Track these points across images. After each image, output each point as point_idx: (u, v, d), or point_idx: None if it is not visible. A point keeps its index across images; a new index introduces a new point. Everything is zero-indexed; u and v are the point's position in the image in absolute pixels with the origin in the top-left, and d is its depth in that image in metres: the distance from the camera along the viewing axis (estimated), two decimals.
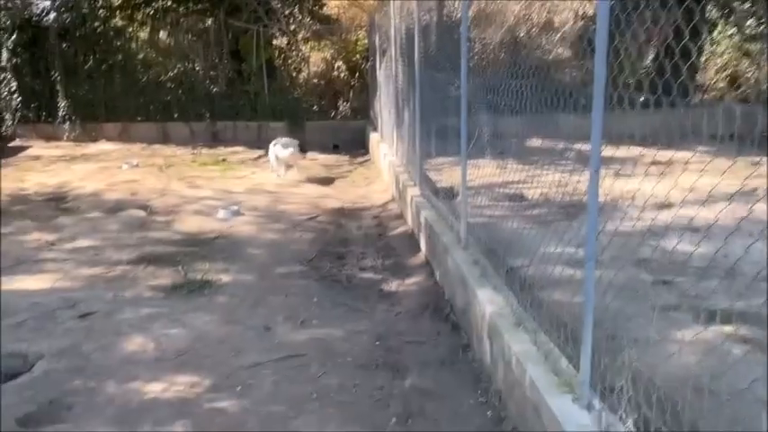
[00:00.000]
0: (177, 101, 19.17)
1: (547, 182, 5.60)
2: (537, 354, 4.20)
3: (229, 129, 18.99)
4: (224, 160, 15.98)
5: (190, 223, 9.92)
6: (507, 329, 4.59)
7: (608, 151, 3.35)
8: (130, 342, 5.82)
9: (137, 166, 15.32)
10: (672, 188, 3.41)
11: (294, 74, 20.07)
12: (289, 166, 13.77)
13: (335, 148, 18.03)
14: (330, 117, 19.40)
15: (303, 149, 13.98)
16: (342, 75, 19.89)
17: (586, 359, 3.56)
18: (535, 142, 6.10)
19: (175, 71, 19.50)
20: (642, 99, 3.33)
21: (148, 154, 17.14)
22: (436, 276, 7.21)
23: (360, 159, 16.56)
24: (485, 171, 6.17)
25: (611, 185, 3.55)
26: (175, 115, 19.15)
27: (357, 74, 19.60)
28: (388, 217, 10.28)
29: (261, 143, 16.73)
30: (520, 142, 5.52)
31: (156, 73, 19.41)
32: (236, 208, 10.61)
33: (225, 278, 7.51)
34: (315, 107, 19.43)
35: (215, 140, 18.75)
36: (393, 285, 7.28)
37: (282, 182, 13.28)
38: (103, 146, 18.42)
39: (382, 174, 13.16)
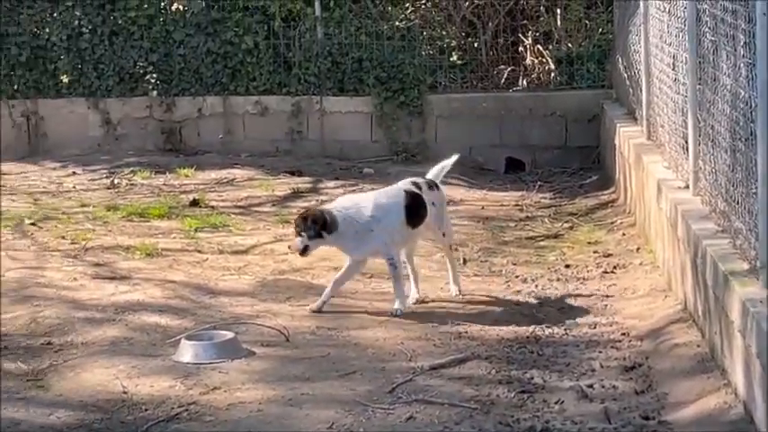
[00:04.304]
0: None
1: None
2: None
3: (206, 113, 11.07)
4: (196, 202, 9.28)
5: (84, 380, 5.53)
6: None
7: None
8: None
9: None
10: None
11: None
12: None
13: (512, 168, 10.99)
14: (494, 85, 10.83)
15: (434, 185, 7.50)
16: None
17: None
18: None
19: None
20: None
21: None
22: None
23: (584, 199, 9.64)
24: None
25: None
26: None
27: None
28: (670, 367, 5.51)
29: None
30: None
31: None
32: (229, 336, 6.07)
33: None
34: (449, 56, 10.79)
35: (169, 148, 11.20)
36: None
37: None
38: None
39: (652, 238, 7.74)
